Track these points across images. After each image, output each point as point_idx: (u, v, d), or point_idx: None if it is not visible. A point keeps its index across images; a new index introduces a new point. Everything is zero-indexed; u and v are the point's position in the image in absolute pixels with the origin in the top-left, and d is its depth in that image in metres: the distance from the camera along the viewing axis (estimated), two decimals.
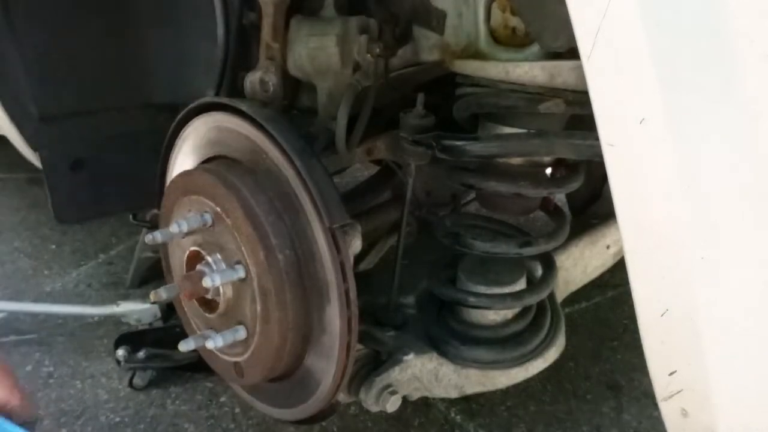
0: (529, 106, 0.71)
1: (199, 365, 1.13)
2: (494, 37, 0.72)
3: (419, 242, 1.00)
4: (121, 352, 1.15)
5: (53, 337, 1.33)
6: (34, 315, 1.38)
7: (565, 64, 0.67)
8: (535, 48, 0.69)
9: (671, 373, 0.59)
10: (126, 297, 1.41)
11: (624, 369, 1.19)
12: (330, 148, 0.75)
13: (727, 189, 0.51)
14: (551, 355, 0.86)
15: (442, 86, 0.82)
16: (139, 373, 1.18)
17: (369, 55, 0.73)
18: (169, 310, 1.24)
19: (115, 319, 1.30)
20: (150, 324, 1.25)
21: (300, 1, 0.74)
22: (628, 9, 0.48)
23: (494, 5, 0.71)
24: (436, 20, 0.74)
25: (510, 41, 0.72)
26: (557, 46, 0.66)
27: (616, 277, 1.23)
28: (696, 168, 0.50)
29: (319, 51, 0.72)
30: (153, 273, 1.49)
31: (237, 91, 0.82)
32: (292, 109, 0.78)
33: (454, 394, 0.84)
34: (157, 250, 1.38)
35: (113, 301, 1.30)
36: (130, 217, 1.29)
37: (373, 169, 1.10)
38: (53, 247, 1.69)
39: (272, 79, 0.74)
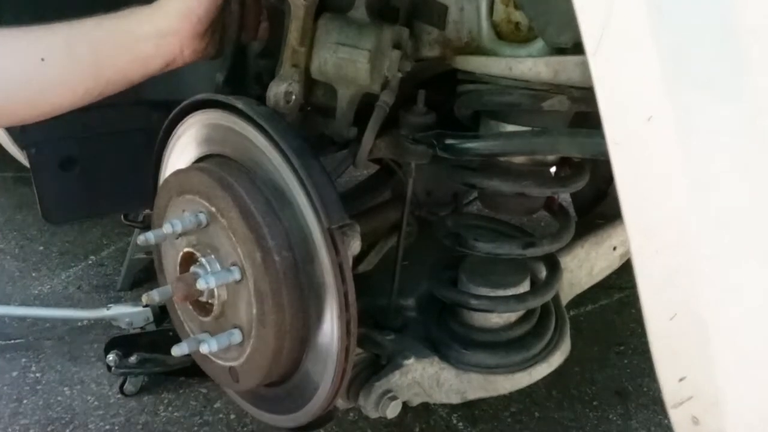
0: (532, 103, 0.70)
1: (192, 370, 1.11)
2: (497, 32, 0.71)
3: (419, 243, 0.98)
4: (111, 357, 1.13)
5: (41, 341, 1.30)
6: (20, 319, 1.36)
7: (570, 60, 0.66)
8: (539, 43, 0.68)
9: (681, 379, 0.57)
10: (117, 300, 1.39)
11: (631, 374, 1.18)
12: (347, 158, 0.73)
13: (735, 188, 0.50)
14: (556, 359, 0.85)
15: (443, 83, 0.81)
16: (130, 378, 1.16)
17: (399, 73, 0.70)
18: (161, 313, 1.22)
19: (105, 323, 1.28)
20: (142, 327, 1.22)
21: None
22: (636, 4, 0.47)
23: None
24: (437, 15, 0.72)
25: (513, 36, 0.70)
26: (562, 41, 0.65)
27: (622, 279, 1.23)
28: (704, 167, 0.49)
29: (348, 62, 0.69)
30: (145, 275, 1.47)
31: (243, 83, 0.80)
32: (306, 105, 0.75)
33: (455, 400, 0.83)
34: (149, 252, 1.37)
35: (104, 304, 1.28)
36: (122, 217, 1.27)
37: (373, 169, 1.08)
38: (41, 248, 1.67)
39: (295, 89, 0.70)
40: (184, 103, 0.75)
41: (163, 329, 1.21)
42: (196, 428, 1.10)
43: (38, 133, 1.01)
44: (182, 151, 0.78)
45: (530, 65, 0.67)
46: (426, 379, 0.80)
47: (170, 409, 1.14)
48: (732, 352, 0.54)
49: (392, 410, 0.76)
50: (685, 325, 0.54)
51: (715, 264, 0.51)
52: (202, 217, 0.68)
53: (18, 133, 1.01)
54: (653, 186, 0.51)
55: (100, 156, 1.07)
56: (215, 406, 1.14)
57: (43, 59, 0.66)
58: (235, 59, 0.77)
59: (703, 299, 0.53)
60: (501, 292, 0.83)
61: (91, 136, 1.05)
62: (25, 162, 1.04)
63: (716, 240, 0.51)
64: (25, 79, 0.67)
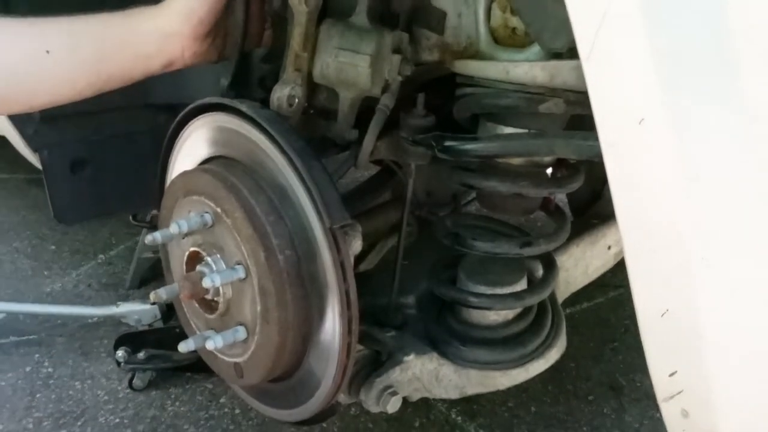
0: (529, 106, 0.71)
1: (198, 366, 1.13)
2: (494, 37, 0.72)
3: (419, 242, 1.00)
4: (120, 353, 1.15)
5: (53, 337, 1.33)
6: (33, 316, 1.38)
7: (565, 64, 0.67)
8: (535, 48, 0.69)
9: (672, 374, 0.58)
10: (126, 297, 1.41)
11: (625, 370, 1.19)
12: (348, 159, 0.75)
13: (727, 189, 0.51)
14: (552, 355, 0.86)
15: (442, 86, 0.82)
16: (138, 374, 1.18)
17: (399, 76, 0.71)
18: (169, 310, 1.24)
19: (114, 320, 1.30)
20: (150, 325, 1.25)
21: (329, 4, 0.72)
22: (629, 9, 0.48)
23: (494, 5, 0.71)
24: (436, 20, 0.74)
25: (510, 41, 0.71)
26: (557, 46, 0.66)
27: (617, 278, 1.23)
28: (696, 168, 0.50)
29: (348, 66, 0.70)
30: (153, 273, 1.49)
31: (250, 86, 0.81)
32: (309, 108, 0.76)
33: (454, 395, 0.84)
34: (156, 251, 1.39)
35: (113, 301, 1.30)
36: (130, 217, 1.30)
37: (373, 170, 1.10)
38: (53, 247, 1.69)
39: (298, 93, 0.72)
40: (190, 106, 0.77)
41: (170, 326, 1.23)
42: (202, 422, 1.12)
43: (50, 136, 1.03)
44: (188, 153, 0.80)
45: (526, 69, 0.68)
46: (425, 374, 0.81)
47: (177, 403, 1.16)
48: (721, 347, 0.55)
49: (393, 405, 0.77)
50: (676, 322, 0.55)
51: (706, 262, 0.52)
52: (208, 217, 0.70)
53: (31, 136, 1.04)
54: (645, 187, 0.52)
55: (109, 158, 1.09)
56: (221, 401, 1.16)
57: (48, 51, 0.66)
58: (240, 64, 0.78)
59: (694, 297, 0.53)
60: (499, 290, 0.84)
61: (101, 139, 1.08)
62: (38, 164, 1.07)
63: (707, 239, 0.52)
64: (30, 70, 0.67)
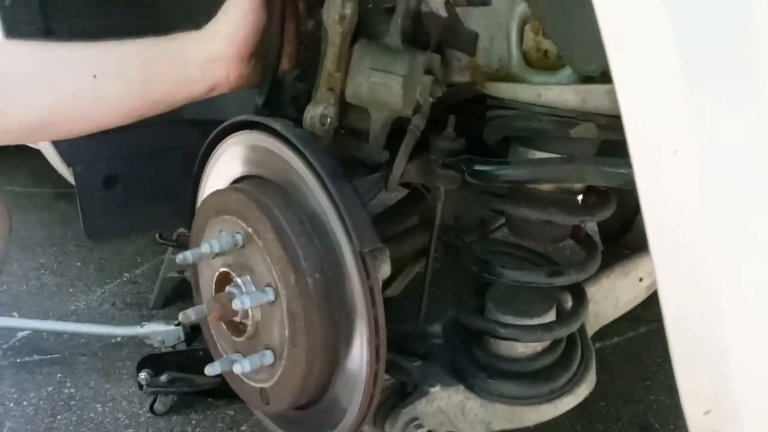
0: (560, 130, 0.69)
1: (220, 392, 1.12)
2: (526, 59, 0.72)
3: (445, 268, 0.98)
4: (143, 375, 1.14)
5: (75, 357, 1.33)
6: (57, 333, 1.39)
7: (598, 88, 0.66)
8: (567, 71, 0.68)
9: (706, 413, 0.56)
10: (149, 317, 1.41)
11: (657, 410, 1.14)
12: (378, 181, 0.74)
13: (762, 219, 0.49)
14: (582, 391, 0.82)
15: (472, 108, 0.82)
16: (160, 398, 1.17)
17: (430, 97, 0.72)
18: (192, 332, 1.24)
19: (138, 340, 1.30)
20: (173, 346, 1.24)
21: (363, 25, 0.72)
22: (664, 38, 0.47)
23: (526, 28, 0.71)
24: (467, 42, 0.74)
25: (542, 64, 0.71)
26: (590, 70, 0.65)
27: (649, 312, 1.19)
28: (731, 202, 0.49)
29: (381, 87, 0.70)
30: (177, 294, 1.49)
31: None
32: (340, 128, 0.76)
33: (480, 431, 0.81)
34: (181, 271, 1.39)
35: (136, 321, 1.31)
36: (157, 236, 1.31)
37: (399, 193, 1.09)
38: (78, 264, 1.71)
39: (331, 113, 0.72)
40: (224, 124, 0.77)
41: (193, 349, 1.23)
42: None
43: (84, 152, 1.05)
44: (221, 171, 0.80)
45: (558, 92, 0.67)
46: (451, 407, 0.79)
47: (198, 430, 1.14)
48: (755, 385, 0.53)
49: None
50: (710, 358, 0.53)
51: (740, 298, 0.50)
52: (239, 237, 0.69)
53: (65, 150, 1.05)
54: (679, 218, 0.51)
55: (141, 174, 1.10)
56: (242, 428, 1.14)
57: (95, 76, 0.67)
58: (274, 82, 0.79)
59: (727, 333, 0.51)
60: (528, 321, 0.81)
61: (133, 155, 1.09)
62: (72, 179, 1.08)
63: (742, 271, 0.50)
64: (77, 95, 0.68)
